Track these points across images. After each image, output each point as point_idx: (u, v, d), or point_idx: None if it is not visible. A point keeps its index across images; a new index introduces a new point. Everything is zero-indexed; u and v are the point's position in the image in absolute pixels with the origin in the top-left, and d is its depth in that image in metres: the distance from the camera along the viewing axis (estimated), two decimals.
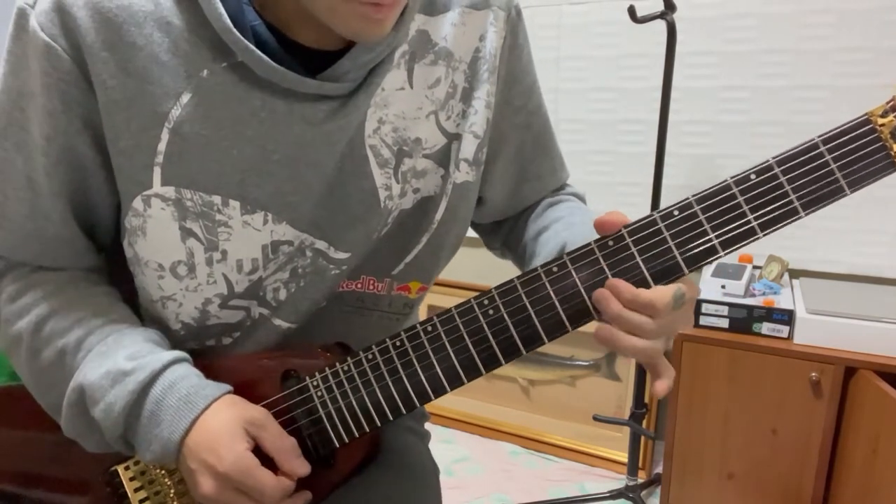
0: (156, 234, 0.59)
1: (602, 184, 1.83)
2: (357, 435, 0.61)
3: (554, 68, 1.80)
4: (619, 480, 1.78)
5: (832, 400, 1.39)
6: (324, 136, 0.60)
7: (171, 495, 0.63)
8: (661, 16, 1.39)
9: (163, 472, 0.64)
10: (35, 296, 0.61)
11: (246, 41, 0.55)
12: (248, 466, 0.55)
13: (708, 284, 1.54)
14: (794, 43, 1.53)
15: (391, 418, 0.60)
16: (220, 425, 0.56)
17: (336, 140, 0.61)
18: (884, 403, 1.26)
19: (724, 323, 1.48)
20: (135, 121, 0.56)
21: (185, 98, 0.56)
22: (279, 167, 0.59)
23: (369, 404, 0.60)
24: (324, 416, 0.61)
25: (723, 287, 1.50)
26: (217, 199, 0.59)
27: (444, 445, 2.00)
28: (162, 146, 0.57)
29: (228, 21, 0.54)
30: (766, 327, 1.45)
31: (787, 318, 1.42)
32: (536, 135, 0.75)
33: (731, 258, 1.67)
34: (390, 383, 0.59)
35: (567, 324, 0.56)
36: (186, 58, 0.56)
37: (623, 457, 1.80)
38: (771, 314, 1.44)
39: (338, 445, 0.61)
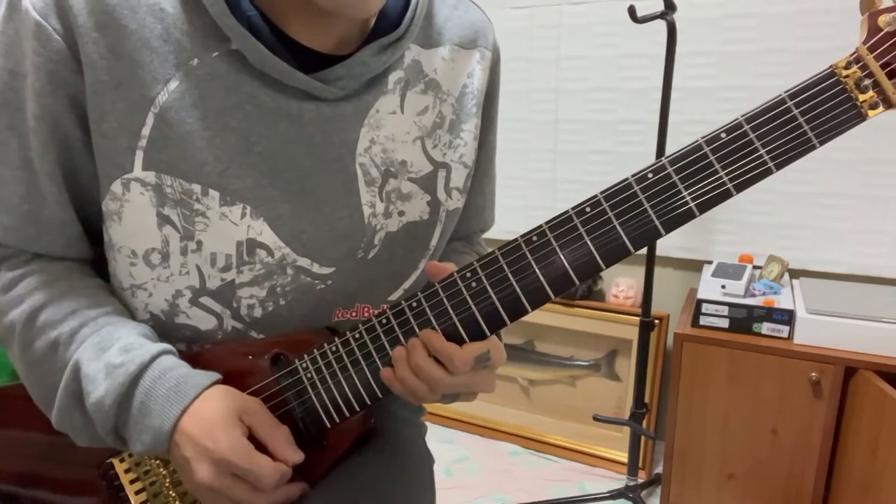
0: (132, 219, 0.59)
1: (602, 184, 1.82)
2: (348, 415, 0.61)
3: (554, 68, 1.81)
4: (619, 480, 1.77)
5: (832, 400, 1.38)
6: (306, 138, 0.61)
7: (167, 485, 0.64)
8: (661, 16, 1.39)
9: (158, 462, 0.64)
10: (29, 286, 0.60)
11: (241, 26, 0.56)
12: (245, 449, 0.56)
13: (708, 284, 1.54)
14: (794, 43, 1.53)
15: (380, 396, 0.60)
16: (214, 413, 0.56)
17: (321, 150, 0.62)
18: (884, 403, 1.26)
19: (724, 323, 1.48)
20: (121, 103, 0.56)
21: (173, 84, 0.57)
22: (260, 159, 0.60)
23: (358, 383, 0.60)
24: (313, 396, 0.61)
25: (723, 287, 1.50)
26: (197, 188, 0.59)
27: (444, 445, 1.99)
28: (146, 130, 0.57)
29: (225, 6, 0.55)
30: (766, 327, 1.44)
31: (787, 318, 1.42)
32: (480, 169, 0.78)
33: (731, 258, 1.67)
34: (378, 361, 0.59)
35: (549, 290, 0.56)
36: (178, 45, 0.56)
37: (623, 457, 1.79)
38: (771, 314, 1.44)
39: (329, 426, 0.62)
